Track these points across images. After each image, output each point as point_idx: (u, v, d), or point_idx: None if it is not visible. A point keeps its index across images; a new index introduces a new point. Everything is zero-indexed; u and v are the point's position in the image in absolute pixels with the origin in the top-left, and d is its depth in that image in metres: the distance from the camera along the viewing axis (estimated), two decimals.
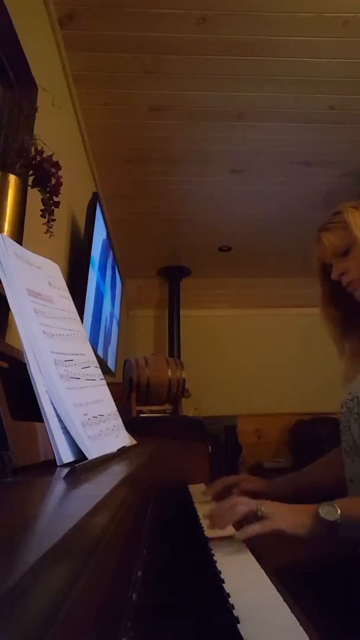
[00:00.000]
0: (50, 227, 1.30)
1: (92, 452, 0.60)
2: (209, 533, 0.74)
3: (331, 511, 0.76)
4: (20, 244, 0.86)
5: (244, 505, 0.76)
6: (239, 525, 0.77)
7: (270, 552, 0.72)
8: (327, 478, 1.16)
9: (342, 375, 1.13)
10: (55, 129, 1.76)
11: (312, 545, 0.78)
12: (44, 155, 1.27)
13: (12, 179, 1.18)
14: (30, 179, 1.27)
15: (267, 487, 1.15)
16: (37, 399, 0.58)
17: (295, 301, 4.35)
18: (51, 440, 0.56)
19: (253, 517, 0.75)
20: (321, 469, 1.21)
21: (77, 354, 0.72)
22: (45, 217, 1.30)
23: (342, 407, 1.06)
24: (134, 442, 0.96)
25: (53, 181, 1.27)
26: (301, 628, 0.44)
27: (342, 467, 1.08)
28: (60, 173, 1.28)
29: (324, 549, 0.88)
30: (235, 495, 0.80)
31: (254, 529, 0.72)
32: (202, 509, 0.99)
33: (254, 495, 1.09)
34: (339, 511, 0.76)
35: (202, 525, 0.81)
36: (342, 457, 1.09)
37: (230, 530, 0.76)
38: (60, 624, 0.21)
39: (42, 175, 1.26)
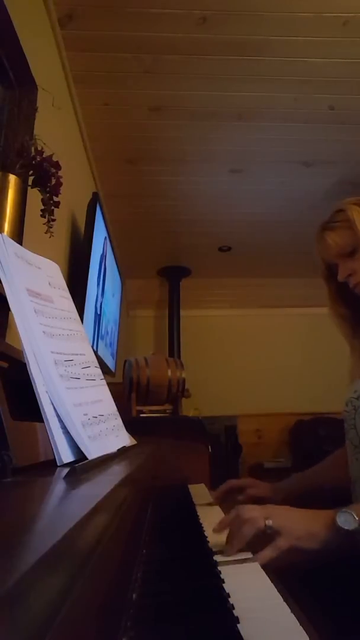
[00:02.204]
0: (50, 227, 1.30)
1: (92, 452, 0.60)
2: (220, 558, 0.67)
3: (349, 519, 0.71)
4: (20, 244, 0.86)
5: (249, 525, 0.69)
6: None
7: None
8: (332, 479, 1.15)
9: (348, 372, 1.10)
10: (55, 129, 1.76)
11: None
12: (44, 155, 1.27)
13: (12, 179, 1.18)
14: (30, 179, 1.27)
15: (273, 492, 1.13)
16: (37, 399, 0.57)
17: (295, 301, 4.35)
18: (51, 440, 0.56)
19: (262, 534, 0.70)
20: (327, 470, 1.18)
21: (77, 354, 0.72)
22: (45, 217, 1.29)
23: (347, 405, 1.03)
24: (134, 442, 0.96)
25: (53, 181, 1.27)
26: (301, 628, 0.44)
27: (347, 467, 1.06)
28: (60, 173, 1.28)
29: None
30: (239, 506, 0.74)
31: (266, 555, 0.67)
32: (203, 510, 0.99)
33: (260, 501, 1.07)
34: (357, 519, 0.71)
35: (203, 525, 0.81)
36: (346, 456, 1.08)
37: (242, 553, 0.69)
38: (60, 624, 0.21)
39: (42, 175, 1.26)
